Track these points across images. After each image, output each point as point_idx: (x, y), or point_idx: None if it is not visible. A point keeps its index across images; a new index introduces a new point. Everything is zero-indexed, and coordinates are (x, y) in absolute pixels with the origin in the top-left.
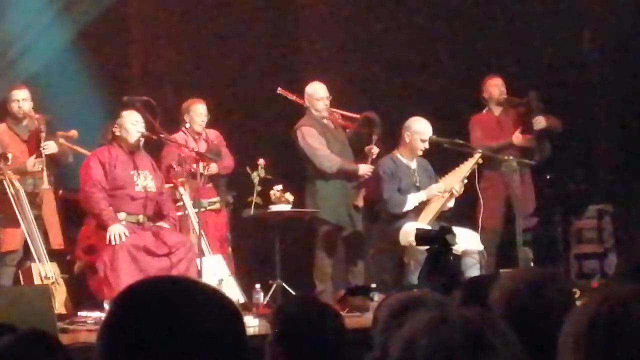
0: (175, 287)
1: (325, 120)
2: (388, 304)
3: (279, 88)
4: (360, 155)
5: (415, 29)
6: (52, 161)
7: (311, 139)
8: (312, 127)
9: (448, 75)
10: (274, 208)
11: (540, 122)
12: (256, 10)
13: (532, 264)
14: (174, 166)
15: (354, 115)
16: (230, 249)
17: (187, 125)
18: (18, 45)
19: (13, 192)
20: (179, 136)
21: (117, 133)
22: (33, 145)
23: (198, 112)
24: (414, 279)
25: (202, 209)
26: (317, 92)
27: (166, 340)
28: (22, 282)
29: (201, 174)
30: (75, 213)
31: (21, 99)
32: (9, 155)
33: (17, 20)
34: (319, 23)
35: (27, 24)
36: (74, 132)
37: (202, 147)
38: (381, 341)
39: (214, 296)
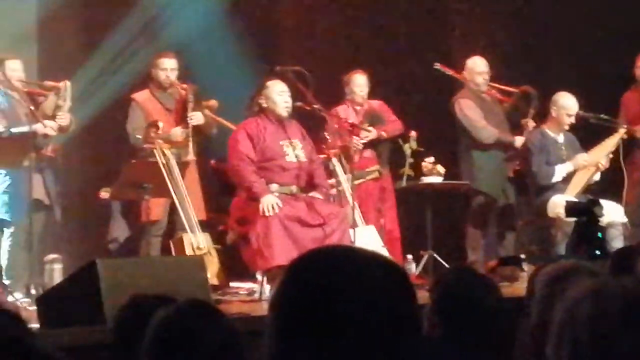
0: (350, 256)
1: (483, 94)
2: (544, 273)
3: (437, 64)
4: (517, 128)
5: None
6: (197, 132)
7: (469, 110)
8: (469, 99)
9: (601, 49)
10: (425, 180)
11: None
12: None
13: None
14: (327, 137)
15: (512, 90)
16: (382, 219)
17: (349, 97)
18: (166, 11)
19: (164, 162)
20: (341, 108)
21: (264, 104)
22: (178, 114)
23: (357, 83)
24: (561, 249)
25: (362, 180)
26: (478, 66)
27: (343, 309)
28: (173, 253)
29: (356, 145)
30: (226, 183)
31: (169, 68)
32: (160, 124)
33: None
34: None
35: None
36: (213, 102)
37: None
38: (539, 309)
39: (388, 265)
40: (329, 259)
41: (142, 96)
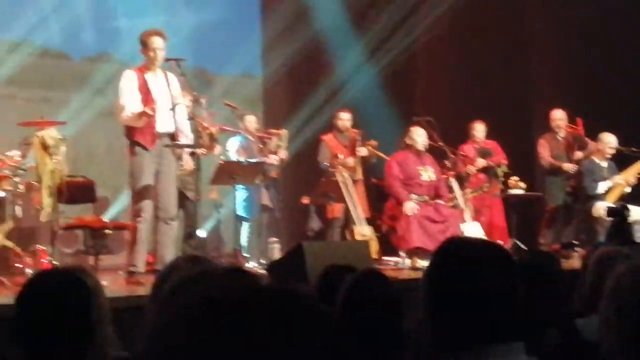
0: (475, 243)
1: (558, 135)
2: (595, 254)
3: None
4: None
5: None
6: (363, 161)
7: (539, 146)
8: (544, 139)
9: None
10: (511, 192)
11: None
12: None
13: None
14: (448, 165)
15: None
16: (483, 218)
17: (471, 138)
18: (344, 82)
19: (342, 180)
20: (466, 146)
21: (408, 142)
22: (350, 150)
23: (477, 129)
24: (601, 238)
25: (475, 193)
26: (555, 115)
27: (473, 276)
28: (348, 239)
29: (469, 171)
30: (382, 193)
31: (345, 119)
32: (340, 156)
33: (345, 61)
34: (550, 52)
35: (349, 63)
36: (374, 142)
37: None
38: (591, 279)
39: (497, 247)
40: (463, 246)
41: (327, 137)
